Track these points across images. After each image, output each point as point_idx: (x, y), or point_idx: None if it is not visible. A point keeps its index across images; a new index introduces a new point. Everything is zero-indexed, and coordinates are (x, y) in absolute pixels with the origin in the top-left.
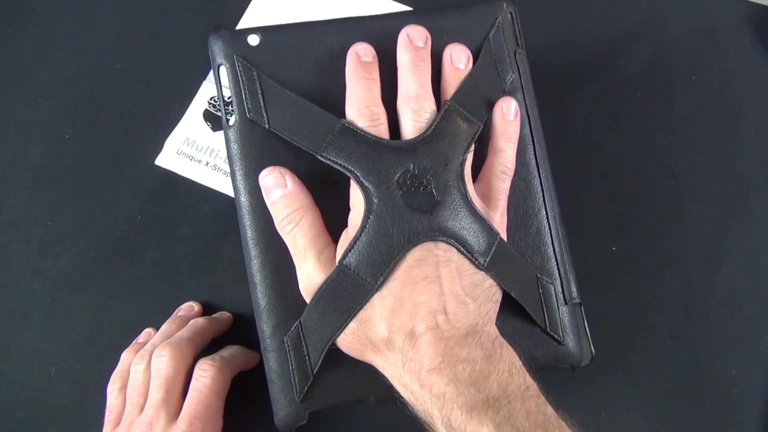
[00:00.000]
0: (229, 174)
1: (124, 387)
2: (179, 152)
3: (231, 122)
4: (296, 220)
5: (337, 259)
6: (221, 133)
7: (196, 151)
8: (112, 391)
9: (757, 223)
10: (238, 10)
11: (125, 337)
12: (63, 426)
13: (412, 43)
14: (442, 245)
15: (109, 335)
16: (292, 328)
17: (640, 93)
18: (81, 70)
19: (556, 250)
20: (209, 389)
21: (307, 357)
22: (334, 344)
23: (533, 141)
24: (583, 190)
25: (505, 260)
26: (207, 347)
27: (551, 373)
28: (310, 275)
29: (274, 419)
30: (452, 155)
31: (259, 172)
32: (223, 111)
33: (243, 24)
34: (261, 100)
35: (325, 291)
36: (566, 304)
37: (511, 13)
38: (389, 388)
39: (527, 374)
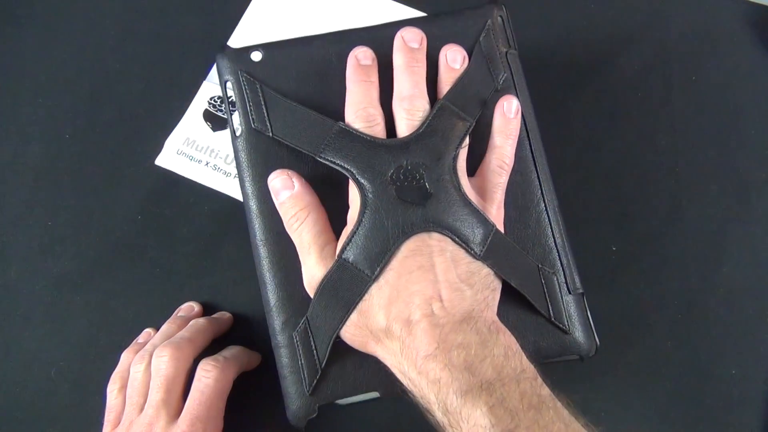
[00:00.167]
0: (230, 175)
1: (124, 387)
2: (179, 152)
3: (238, 133)
4: (302, 218)
5: (337, 253)
6: (221, 133)
7: (196, 151)
8: (112, 391)
9: (757, 223)
10: (238, 10)
11: (125, 337)
12: (63, 426)
13: (407, 45)
14: (436, 235)
15: (109, 335)
16: (300, 324)
17: (640, 93)
18: (81, 70)
19: (557, 241)
20: (212, 390)
21: (315, 351)
22: (339, 337)
23: (528, 136)
24: (583, 190)
25: (502, 250)
26: (207, 347)
27: (551, 373)
28: (312, 270)
29: (287, 413)
30: (445, 150)
31: (266, 178)
32: (231, 122)
33: (243, 24)
34: (264, 111)
35: (326, 285)
36: (570, 293)
37: (501, 16)
38: (395, 380)
39: (524, 357)
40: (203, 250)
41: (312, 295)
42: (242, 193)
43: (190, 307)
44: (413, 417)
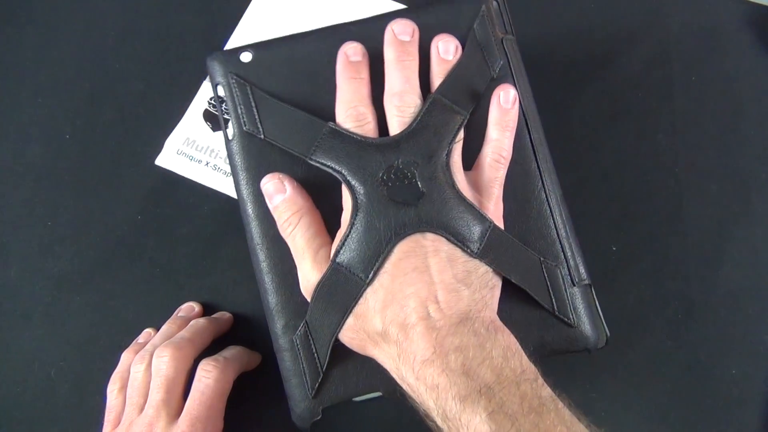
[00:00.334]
0: (230, 175)
1: (124, 387)
2: (179, 152)
3: (231, 136)
4: (295, 223)
5: (330, 257)
6: (221, 133)
7: (196, 151)
8: (112, 391)
9: (757, 223)
10: (238, 10)
11: (125, 337)
12: (63, 426)
13: (397, 38)
14: (430, 236)
15: (109, 335)
16: (300, 328)
17: (640, 93)
18: (81, 70)
19: (560, 232)
20: (212, 390)
21: (315, 354)
22: (338, 341)
23: (527, 124)
24: (583, 190)
25: (500, 246)
26: (207, 347)
27: (551, 373)
28: (308, 275)
29: (291, 416)
30: (437, 147)
31: (260, 181)
32: (223, 126)
33: (243, 24)
34: (255, 113)
35: (321, 289)
36: (574, 285)
37: (497, 1)
38: (396, 382)
39: (524, 357)
40: (203, 250)
41: (308, 299)
42: (238, 197)
43: (191, 307)
44: (416, 416)
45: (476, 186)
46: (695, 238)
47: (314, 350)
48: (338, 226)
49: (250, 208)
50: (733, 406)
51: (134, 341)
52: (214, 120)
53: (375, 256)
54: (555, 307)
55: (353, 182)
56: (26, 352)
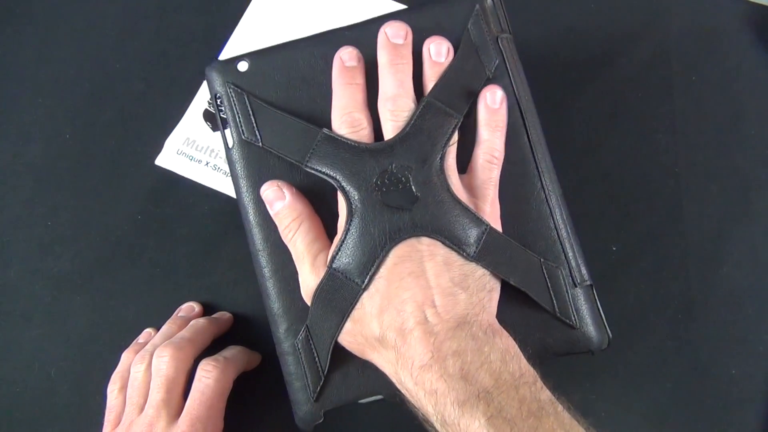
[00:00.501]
0: (230, 175)
1: (124, 387)
2: (179, 152)
3: (230, 144)
4: (295, 228)
5: (327, 262)
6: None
7: (196, 151)
8: (112, 391)
9: (757, 223)
10: (238, 10)
11: (125, 337)
12: (63, 426)
13: (390, 41)
14: (426, 240)
15: (109, 335)
16: (301, 332)
17: (640, 93)
18: (81, 70)
19: (561, 233)
20: (212, 390)
21: (317, 358)
22: (339, 345)
23: (525, 125)
24: (583, 190)
25: (498, 249)
26: (207, 347)
27: (551, 374)
28: (307, 279)
29: (295, 419)
30: (431, 151)
31: (260, 188)
32: (223, 135)
33: (243, 24)
34: (253, 121)
35: (320, 294)
36: (576, 286)
37: None
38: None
39: (523, 360)
40: (203, 250)
41: (308, 303)
42: (239, 204)
43: (191, 307)
44: (416, 420)
45: (471, 188)
46: (695, 238)
47: (315, 354)
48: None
49: (251, 215)
50: (733, 406)
51: (134, 341)
52: (214, 120)
53: (370, 261)
54: (556, 309)
55: (348, 188)
56: (26, 352)
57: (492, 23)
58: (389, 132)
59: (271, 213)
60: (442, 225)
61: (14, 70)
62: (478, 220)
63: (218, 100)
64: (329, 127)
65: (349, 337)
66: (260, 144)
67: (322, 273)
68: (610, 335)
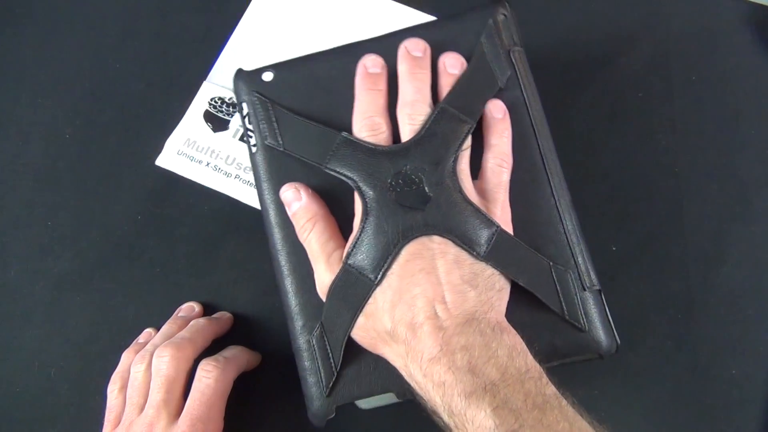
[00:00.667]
0: (230, 176)
1: (124, 387)
2: (179, 153)
3: (254, 149)
4: (310, 228)
5: (342, 259)
6: (222, 133)
7: (196, 151)
8: (113, 391)
9: (757, 223)
10: (238, 10)
11: (125, 337)
12: (63, 426)
13: (410, 54)
14: (437, 239)
15: (109, 335)
16: (316, 328)
17: (640, 93)
18: (81, 70)
19: (570, 237)
20: (212, 390)
21: (330, 355)
22: (351, 340)
23: (535, 134)
24: (583, 190)
25: (507, 250)
26: (208, 347)
27: (554, 373)
28: (322, 276)
29: (307, 413)
30: (445, 153)
31: (280, 190)
32: (248, 140)
33: (243, 24)
34: (275, 127)
35: (334, 290)
36: (585, 290)
37: (504, 14)
38: (406, 382)
39: (529, 356)
40: (203, 250)
41: (324, 300)
42: (261, 205)
43: (191, 307)
44: (426, 420)
45: (482, 192)
46: (695, 238)
47: (329, 350)
48: (352, 230)
49: (271, 216)
50: (733, 406)
51: (134, 341)
52: (214, 120)
53: (383, 257)
54: (565, 311)
55: (364, 188)
56: (26, 352)
57: (505, 37)
58: (406, 136)
59: (289, 213)
60: (453, 225)
61: (14, 70)
62: (488, 221)
63: (242, 107)
64: (348, 132)
65: (362, 331)
66: (282, 148)
67: (336, 270)
68: (619, 341)
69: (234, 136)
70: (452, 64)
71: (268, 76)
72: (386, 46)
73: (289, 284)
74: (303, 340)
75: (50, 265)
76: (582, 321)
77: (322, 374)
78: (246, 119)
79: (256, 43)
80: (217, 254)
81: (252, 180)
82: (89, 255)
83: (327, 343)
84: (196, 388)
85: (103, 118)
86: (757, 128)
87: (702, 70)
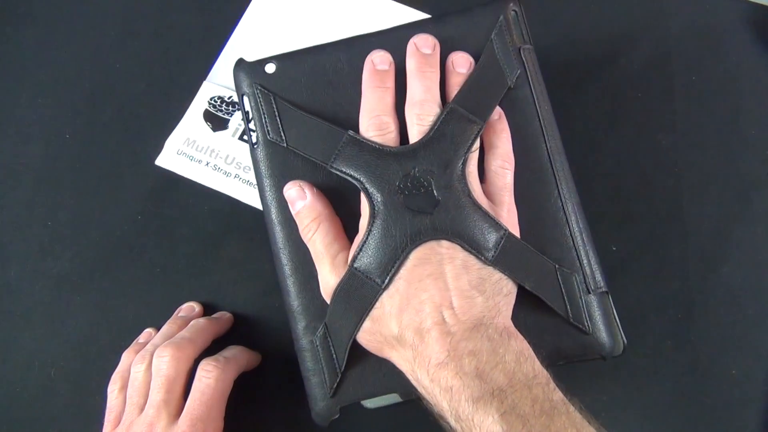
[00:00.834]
0: (230, 175)
1: (124, 387)
2: (179, 152)
3: (255, 144)
4: (314, 228)
5: (348, 262)
6: (221, 133)
7: (196, 151)
8: (113, 391)
9: (757, 223)
10: (238, 10)
11: (125, 337)
12: (63, 426)
13: (419, 51)
14: (445, 243)
15: (109, 335)
16: (320, 329)
17: (640, 93)
18: (81, 70)
19: (576, 240)
20: (212, 390)
21: (334, 355)
22: (356, 342)
23: (544, 133)
24: (583, 190)
25: (515, 254)
26: (208, 347)
27: (558, 376)
28: (326, 278)
29: (311, 414)
30: (454, 155)
31: (283, 187)
32: (249, 134)
33: (243, 24)
34: (278, 122)
35: (339, 293)
36: (590, 293)
37: (515, 11)
38: (411, 384)
39: (536, 362)
40: (203, 250)
41: (328, 302)
42: (262, 203)
43: (191, 307)
44: (431, 421)
45: (488, 195)
46: (695, 238)
47: (333, 351)
48: (357, 231)
49: (273, 214)
50: (733, 406)
51: (134, 341)
52: (214, 120)
53: (391, 262)
54: (570, 314)
55: (371, 190)
56: (26, 352)
57: (515, 35)
58: (414, 136)
59: (293, 212)
60: (462, 229)
61: (14, 70)
62: (497, 225)
63: (243, 99)
64: (353, 129)
65: (368, 335)
66: (285, 144)
67: (342, 272)
68: (626, 342)
69: (233, 135)
70: (461, 63)
71: (270, 68)
72: (393, 39)
73: (291, 284)
74: (306, 340)
75: (50, 265)
76: (586, 324)
77: (326, 375)
78: (247, 113)
79: (256, 43)
80: (217, 254)
81: (252, 179)
82: (89, 255)
83: (331, 344)
84: (197, 388)
85: (103, 118)
86: (757, 128)
87: (702, 70)
